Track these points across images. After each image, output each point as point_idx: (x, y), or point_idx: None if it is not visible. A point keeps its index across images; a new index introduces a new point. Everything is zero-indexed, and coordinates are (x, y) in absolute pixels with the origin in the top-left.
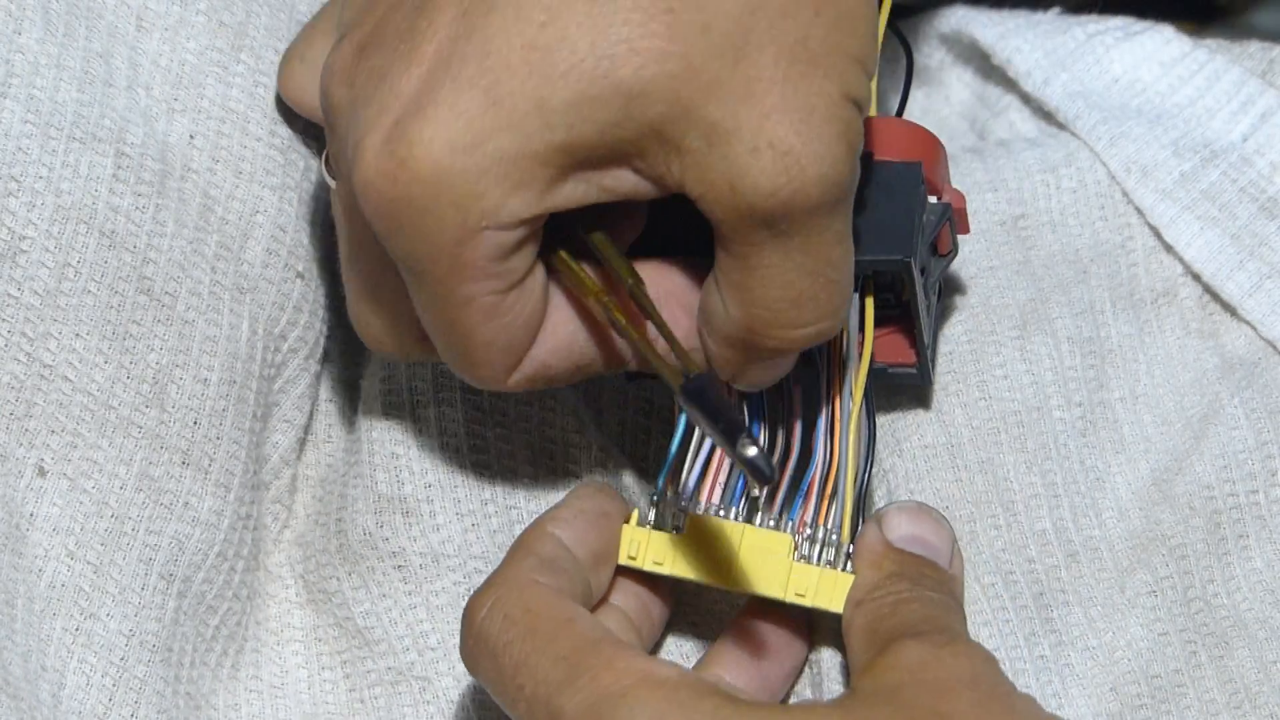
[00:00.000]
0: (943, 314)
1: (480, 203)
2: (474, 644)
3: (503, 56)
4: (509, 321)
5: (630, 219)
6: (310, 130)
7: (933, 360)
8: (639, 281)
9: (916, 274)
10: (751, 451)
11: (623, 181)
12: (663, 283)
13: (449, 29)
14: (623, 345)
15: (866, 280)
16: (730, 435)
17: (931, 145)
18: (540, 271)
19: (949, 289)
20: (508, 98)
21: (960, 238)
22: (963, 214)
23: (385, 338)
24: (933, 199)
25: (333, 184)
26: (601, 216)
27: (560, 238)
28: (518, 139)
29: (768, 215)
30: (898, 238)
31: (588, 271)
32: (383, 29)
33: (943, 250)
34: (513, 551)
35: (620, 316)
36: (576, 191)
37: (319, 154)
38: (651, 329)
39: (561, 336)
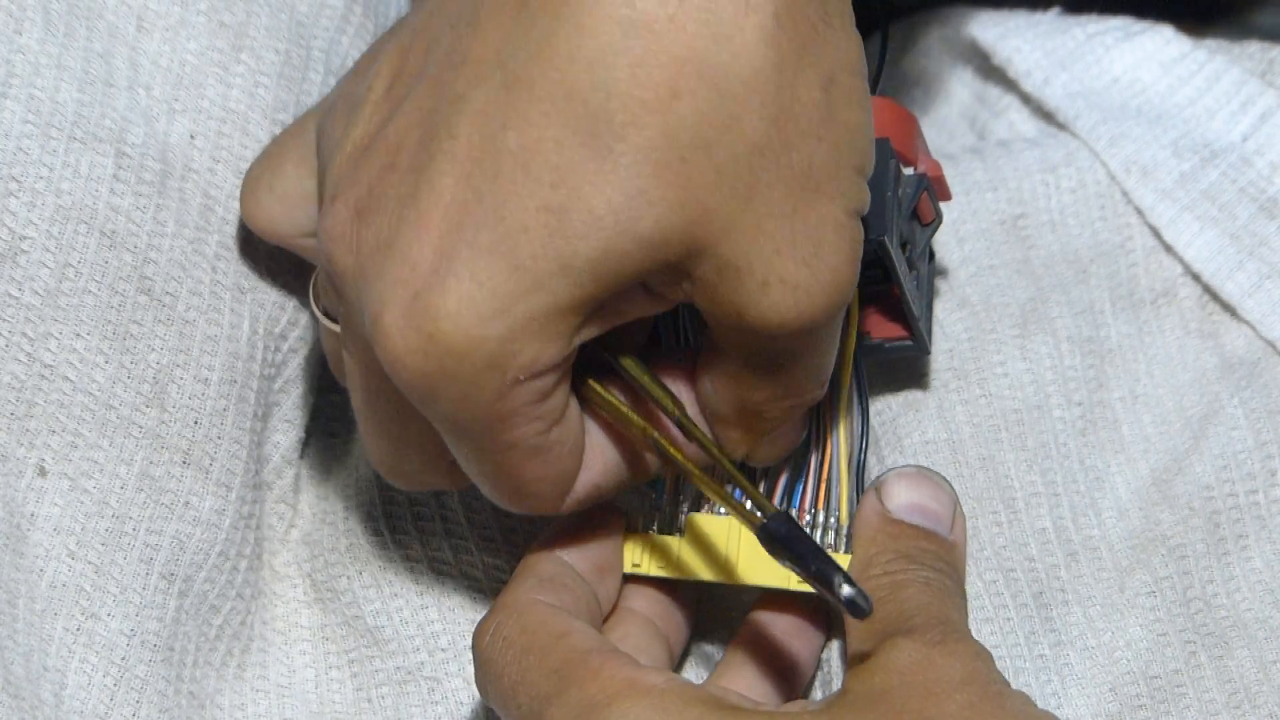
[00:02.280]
0: (944, 312)
1: (516, 360)
2: (480, 670)
3: (518, 220)
4: (555, 455)
5: (640, 321)
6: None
7: (928, 328)
8: (680, 406)
9: (895, 250)
10: (850, 591)
11: (636, 305)
12: (681, 378)
13: (454, 193)
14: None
15: None
16: (826, 578)
17: (900, 118)
18: (574, 401)
19: (950, 288)
20: (529, 261)
21: (960, 237)
22: (941, 181)
23: (411, 476)
24: (908, 170)
25: (326, 324)
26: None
27: (586, 364)
28: (545, 298)
29: (771, 338)
30: (872, 217)
31: (623, 401)
32: (380, 192)
33: (925, 219)
34: (515, 575)
35: (677, 454)
36: (599, 324)
37: None
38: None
39: (609, 459)
